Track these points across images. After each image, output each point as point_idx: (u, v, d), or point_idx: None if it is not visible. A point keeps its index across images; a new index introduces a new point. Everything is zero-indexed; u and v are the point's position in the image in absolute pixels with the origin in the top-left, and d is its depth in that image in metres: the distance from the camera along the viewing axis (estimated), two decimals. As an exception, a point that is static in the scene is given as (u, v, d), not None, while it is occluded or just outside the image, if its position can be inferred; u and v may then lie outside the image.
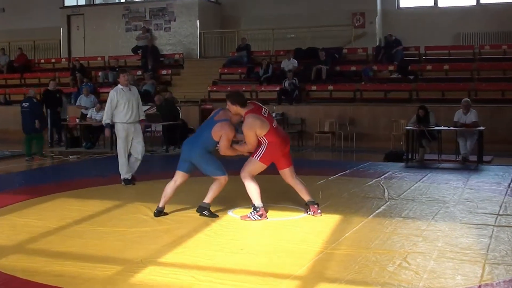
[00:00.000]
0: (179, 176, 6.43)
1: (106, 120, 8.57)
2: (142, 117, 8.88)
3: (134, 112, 8.57)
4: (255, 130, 5.98)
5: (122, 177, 8.75)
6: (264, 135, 6.03)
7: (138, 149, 8.72)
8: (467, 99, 11.92)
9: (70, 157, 12.76)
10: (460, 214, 6.51)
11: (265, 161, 6.14)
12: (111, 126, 8.68)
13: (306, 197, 6.40)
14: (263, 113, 6.11)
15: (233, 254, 4.94)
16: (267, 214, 6.35)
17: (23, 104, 12.50)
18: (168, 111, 14.27)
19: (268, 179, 7.54)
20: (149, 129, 15.42)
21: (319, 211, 6.36)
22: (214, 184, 6.41)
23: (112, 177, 9.53)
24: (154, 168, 11.27)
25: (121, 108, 8.49)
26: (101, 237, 5.52)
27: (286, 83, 16.27)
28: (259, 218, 6.13)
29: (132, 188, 8.57)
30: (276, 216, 6.39)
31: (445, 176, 9.48)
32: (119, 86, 8.63)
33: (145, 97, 16.97)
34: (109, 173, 10.00)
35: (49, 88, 15.16)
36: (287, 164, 6.32)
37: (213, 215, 6.41)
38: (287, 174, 6.33)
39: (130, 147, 8.72)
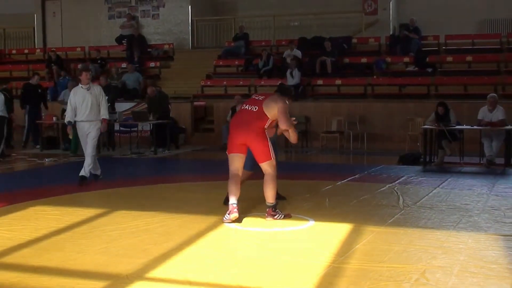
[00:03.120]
0: None
1: (67, 118, 9.60)
2: (104, 116, 9.62)
3: (88, 111, 9.44)
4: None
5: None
6: None
7: (88, 147, 9.53)
8: (494, 94, 11.92)
9: (46, 160, 12.77)
10: (485, 224, 6.52)
11: (228, 149, 6.72)
12: (72, 124, 9.61)
13: (268, 199, 6.64)
14: (254, 96, 6.92)
15: (229, 268, 4.95)
16: (267, 224, 6.43)
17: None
18: (159, 106, 14.27)
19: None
20: (136, 129, 15.47)
21: (272, 213, 6.59)
22: None
23: (94, 183, 9.54)
24: (141, 173, 11.27)
25: (78, 107, 9.49)
26: (82, 250, 5.52)
27: (293, 73, 16.18)
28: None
29: (117, 195, 8.58)
30: (279, 226, 6.41)
31: (467, 181, 9.49)
32: (80, 85, 9.58)
33: (130, 93, 17.04)
34: (90, 178, 10.00)
35: (30, 82, 15.43)
36: (259, 160, 6.62)
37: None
38: (262, 168, 6.66)
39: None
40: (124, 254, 5.39)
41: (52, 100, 17.17)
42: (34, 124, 15.12)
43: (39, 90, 15.54)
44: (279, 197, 7.17)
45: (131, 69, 17.85)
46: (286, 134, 6.83)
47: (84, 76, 9.51)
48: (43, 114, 15.44)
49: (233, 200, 6.46)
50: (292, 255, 5.32)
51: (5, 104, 12.88)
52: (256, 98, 6.74)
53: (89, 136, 9.45)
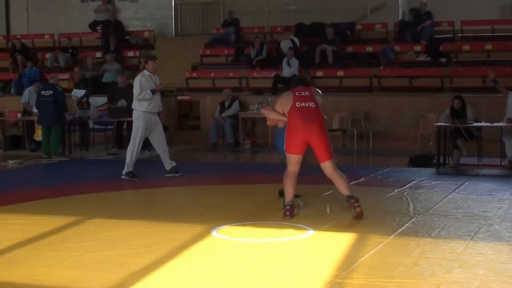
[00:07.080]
0: None
1: (148, 93, 10.04)
2: (161, 109, 10.50)
3: (158, 102, 10.28)
4: (279, 103, 7.33)
5: (125, 171, 10.22)
6: (287, 113, 7.15)
7: (160, 138, 10.39)
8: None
9: (10, 161, 12.71)
10: (507, 233, 6.54)
11: (288, 149, 7.16)
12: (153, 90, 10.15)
13: (344, 191, 7.18)
14: (297, 93, 7.24)
15: (218, 284, 4.95)
16: (260, 234, 6.43)
17: (43, 92, 13.38)
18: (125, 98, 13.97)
19: (265, 189, 7.56)
20: (111, 126, 15.33)
21: (356, 205, 7.09)
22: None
23: (65, 187, 9.50)
24: (117, 176, 11.24)
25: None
26: (51, 264, 5.51)
27: (290, 62, 16.09)
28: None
29: (91, 202, 8.55)
30: (273, 236, 6.41)
31: (487, 185, 9.51)
32: (146, 72, 10.24)
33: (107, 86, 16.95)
34: (61, 181, 9.98)
35: None
36: (322, 158, 7.12)
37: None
38: (324, 168, 7.20)
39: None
40: (99, 269, 5.38)
41: (17, 94, 17.10)
42: None
43: None
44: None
45: (110, 59, 17.76)
46: None
47: (151, 65, 10.21)
48: (6, 110, 15.42)
49: (288, 201, 7.17)
50: (288, 269, 5.32)
51: None
52: (302, 94, 7.22)
53: (158, 129, 10.24)
